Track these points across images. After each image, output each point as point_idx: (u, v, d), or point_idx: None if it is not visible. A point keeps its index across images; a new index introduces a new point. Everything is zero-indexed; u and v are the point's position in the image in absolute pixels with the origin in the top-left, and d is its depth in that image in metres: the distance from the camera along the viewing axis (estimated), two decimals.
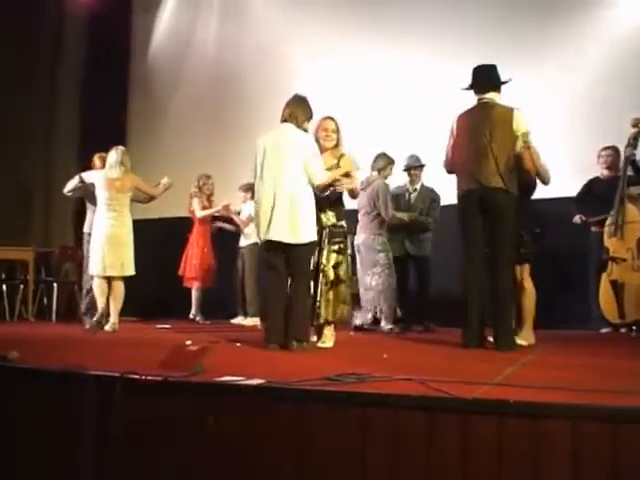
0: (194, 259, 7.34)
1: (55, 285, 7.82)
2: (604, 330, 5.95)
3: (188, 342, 3.33)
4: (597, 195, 6.06)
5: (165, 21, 9.25)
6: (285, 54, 8.15)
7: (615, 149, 6.07)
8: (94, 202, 6.06)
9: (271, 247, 4.16)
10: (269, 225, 4.11)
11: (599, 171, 6.25)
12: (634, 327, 5.66)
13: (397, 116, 7.20)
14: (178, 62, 9.06)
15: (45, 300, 7.89)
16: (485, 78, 4.43)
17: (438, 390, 2.19)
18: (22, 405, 2.72)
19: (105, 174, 5.96)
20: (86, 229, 6.38)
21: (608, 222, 5.69)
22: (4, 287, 7.66)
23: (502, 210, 4.20)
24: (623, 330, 5.82)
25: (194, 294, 7.41)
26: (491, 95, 4.40)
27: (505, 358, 3.55)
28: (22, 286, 7.70)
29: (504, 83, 4.45)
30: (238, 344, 4.44)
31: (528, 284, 4.57)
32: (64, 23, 8.99)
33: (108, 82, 8.82)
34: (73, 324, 6.57)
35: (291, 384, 2.35)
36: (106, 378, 2.55)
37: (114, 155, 5.96)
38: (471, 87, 4.47)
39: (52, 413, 2.64)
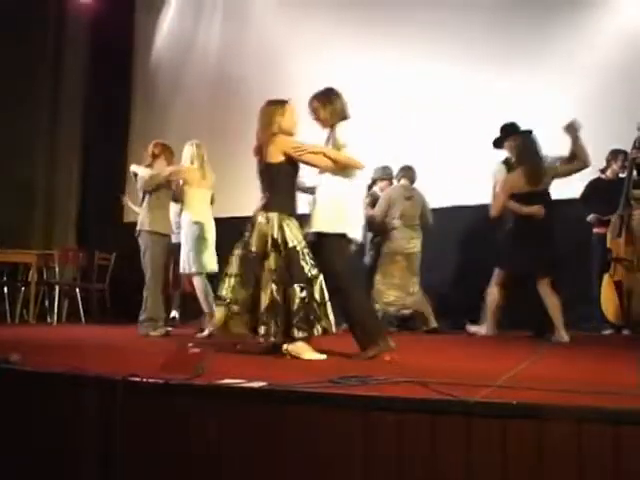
0: None
1: (57, 287, 7.82)
2: (606, 332, 5.94)
3: (189, 345, 3.33)
4: (601, 196, 6.05)
5: (168, 22, 9.25)
6: (287, 57, 8.14)
7: (626, 153, 6.04)
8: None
9: None
10: None
11: (599, 173, 6.23)
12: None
13: (399, 120, 7.18)
14: (181, 63, 9.04)
15: (47, 303, 7.88)
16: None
17: (441, 392, 2.18)
18: (24, 408, 2.71)
19: None
20: None
21: (612, 223, 5.68)
22: (5, 289, 7.66)
23: None
24: (626, 332, 5.80)
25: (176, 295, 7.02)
26: None
27: (507, 360, 3.54)
28: (23, 288, 7.69)
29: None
30: (238, 346, 4.43)
31: None
32: (66, 24, 8.99)
33: (110, 83, 8.82)
34: (75, 326, 6.56)
35: (293, 386, 2.33)
36: (107, 381, 2.54)
37: None
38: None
39: (54, 416, 2.63)
